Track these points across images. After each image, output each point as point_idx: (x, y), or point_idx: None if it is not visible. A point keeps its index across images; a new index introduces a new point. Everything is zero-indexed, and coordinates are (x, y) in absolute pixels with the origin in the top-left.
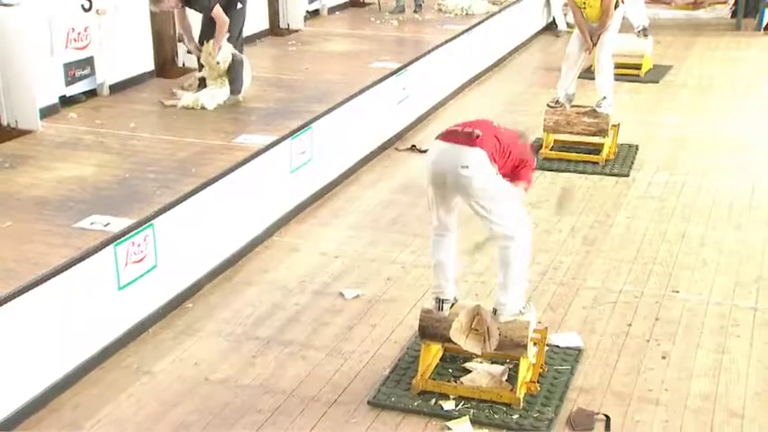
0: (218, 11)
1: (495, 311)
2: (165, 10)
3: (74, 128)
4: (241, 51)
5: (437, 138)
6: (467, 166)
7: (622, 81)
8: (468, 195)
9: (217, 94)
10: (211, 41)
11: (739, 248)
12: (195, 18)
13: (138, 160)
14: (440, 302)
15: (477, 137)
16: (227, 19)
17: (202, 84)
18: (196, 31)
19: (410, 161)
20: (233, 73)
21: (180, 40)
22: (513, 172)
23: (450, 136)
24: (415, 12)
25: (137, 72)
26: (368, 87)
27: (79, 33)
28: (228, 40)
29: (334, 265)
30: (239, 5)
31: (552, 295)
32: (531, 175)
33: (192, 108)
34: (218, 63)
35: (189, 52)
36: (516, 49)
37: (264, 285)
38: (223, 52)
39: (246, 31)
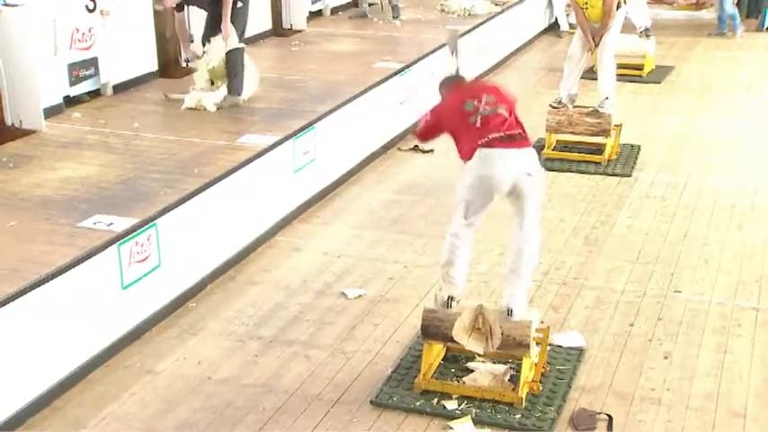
0: None
1: (509, 312)
2: (168, 7)
3: (78, 128)
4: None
5: (482, 146)
6: (530, 173)
7: (624, 81)
8: (524, 196)
9: (218, 95)
10: (209, 43)
11: (741, 248)
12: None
13: (142, 160)
14: (450, 300)
15: (524, 136)
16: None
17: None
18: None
19: (413, 161)
20: (232, 73)
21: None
22: None
23: (500, 142)
24: (394, 17)
25: (140, 72)
26: (371, 87)
27: (83, 34)
28: (236, 33)
29: (336, 265)
30: (240, 4)
31: (554, 295)
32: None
33: (196, 108)
34: (204, 59)
35: (186, 61)
36: (519, 50)
37: (267, 285)
38: (215, 52)
39: (249, 32)
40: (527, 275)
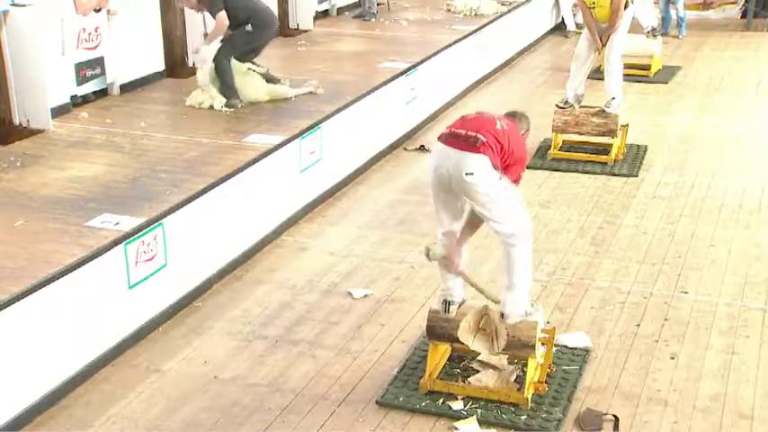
0: (221, 15)
1: (502, 315)
2: (189, 7)
3: (85, 127)
4: (229, 64)
5: (439, 139)
6: (471, 173)
7: (631, 82)
8: (471, 200)
9: (212, 98)
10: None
11: (749, 249)
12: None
13: (149, 160)
14: (446, 304)
15: (482, 143)
16: (227, 23)
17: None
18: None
19: (419, 161)
20: (224, 85)
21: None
22: (506, 168)
23: (452, 140)
24: (364, 17)
25: (147, 72)
26: (377, 87)
27: (90, 34)
28: (228, 50)
29: (342, 265)
30: (249, 28)
31: (561, 295)
32: (520, 173)
33: (196, 107)
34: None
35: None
36: (525, 50)
37: (273, 284)
38: (204, 54)
39: None
40: (517, 268)
